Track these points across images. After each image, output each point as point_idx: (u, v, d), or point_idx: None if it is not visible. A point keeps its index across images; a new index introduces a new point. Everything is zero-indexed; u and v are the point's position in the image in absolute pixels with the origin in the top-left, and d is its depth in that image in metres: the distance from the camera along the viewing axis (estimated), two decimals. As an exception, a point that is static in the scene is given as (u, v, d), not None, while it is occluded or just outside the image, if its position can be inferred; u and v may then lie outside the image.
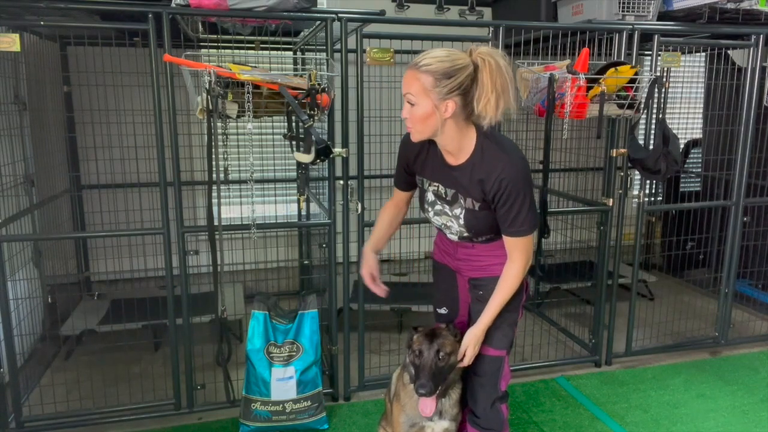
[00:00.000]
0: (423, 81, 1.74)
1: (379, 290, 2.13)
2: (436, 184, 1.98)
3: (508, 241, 1.90)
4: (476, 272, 2.05)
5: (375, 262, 2.17)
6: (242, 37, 3.16)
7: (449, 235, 2.06)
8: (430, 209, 2.05)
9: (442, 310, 2.24)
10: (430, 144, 1.94)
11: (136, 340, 3.41)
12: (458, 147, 1.85)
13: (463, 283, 2.15)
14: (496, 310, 1.95)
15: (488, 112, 1.74)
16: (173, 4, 2.47)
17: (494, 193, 1.82)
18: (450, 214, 1.98)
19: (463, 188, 1.90)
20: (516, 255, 1.91)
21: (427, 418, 2.06)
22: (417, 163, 2.01)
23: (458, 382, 2.09)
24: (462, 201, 1.92)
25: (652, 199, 4.92)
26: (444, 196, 1.97)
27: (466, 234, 1.99)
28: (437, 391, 1.96)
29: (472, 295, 2.09)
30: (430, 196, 2.02)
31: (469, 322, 2.14)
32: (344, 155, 2.77)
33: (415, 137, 1.85)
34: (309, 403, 2.73)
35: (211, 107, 2.29)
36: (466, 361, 1.98)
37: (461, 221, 1.95)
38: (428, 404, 1.97)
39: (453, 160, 1.90)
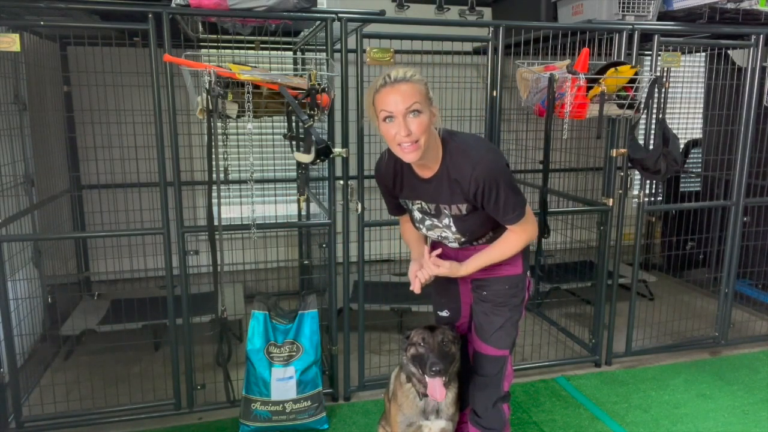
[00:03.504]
0: (422, 90, 1.77)
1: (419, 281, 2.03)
2: (418, 201, 1.98)
3: (508, 227, 1.92)
4: (479, 273, 2.04)
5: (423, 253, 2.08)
6: (242, 37, 3.16)
7: (449, 245, 2.07)
8: (421, 226, 2.06)
9: (444, 313, 2.23)
10: (401, 165, 1.94)
11: (136, 340, 3.41)
12: (435, 157, 1.86)
13: (464, 284, 2.15)
14: (477, 265, 1.96)
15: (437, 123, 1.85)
16: (173, 4, 2.47)
17: (474, 192, 1.82)
18: (441, 225, 1.99)
19: (443, 198, 1.90)
20: (517, 229, 1.92)
21: (424, 417, 2.07)
22: (396, 187, 2.02)
23: (455, 381, 2.10)
24: (446, 210, 1.93)
25: (652, 199, 4.91)
26: (429, 211, 1.98)
27: (464, 240, 2.00)
28: (446, 376, 1.97)
29: (475, 296, 2.09)
30: (417, 214, 2.03)
31: (471, 323, 2.14)
32: (344, 155, 2.77)
33: (418, 153, 1.78)
34: (309, 403, 2.73)
35: (211, 107, 2.29)
36: (429, 270, 1.97)
37: (453, 229, 1.96)
38: (438, 388, 1.96)
39: (427, 173, 1.90)
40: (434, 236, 2.06)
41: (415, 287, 2.02)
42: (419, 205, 1.99)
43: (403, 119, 1.74)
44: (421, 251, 2.12)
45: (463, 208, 1.90)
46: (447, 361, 1.97)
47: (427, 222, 2.02)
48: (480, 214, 1.91)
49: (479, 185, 1.81)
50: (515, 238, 1.93)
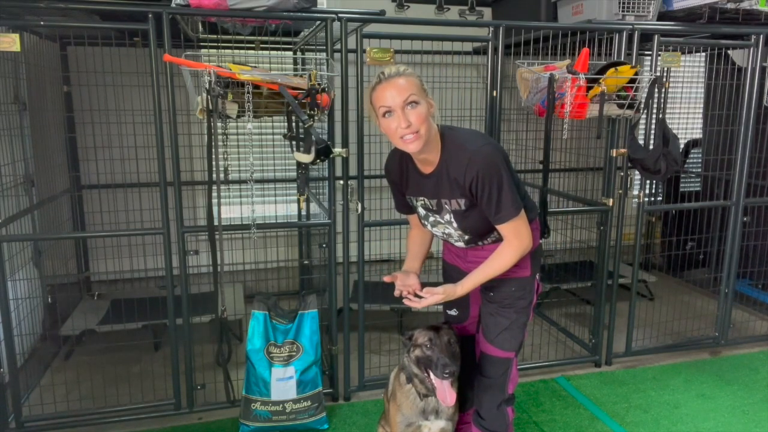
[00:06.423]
0: (416, 83, 1.80)
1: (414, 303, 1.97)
2: (422, 198, 1.99)
3: (500, 228, 1.89)
4: None
5: (411, 278, 2.07)
6: (242, 37, 3.16)
7: (455, 243, 2.07)
8: (426, 223, 2.07)
9: (452, 312, 2.24)
10: (407, 161, 1.96)
11: (136, 340, 3.41)
12: (435, 151, 1.87)
13: None
14: (474, 282, 1.92)
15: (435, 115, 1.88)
16: (173, 4, 2.47)
17: (469, 184, 1.83)
18: (443, 221, 1.99)
19: (444, 192, 1.91)
20: (509, 237, 1.89)
21: (424, 417, 2.07)
22: (402, 183, 2.03)
23: (456, 381, 2.09)
24: (447, 206, 1.93)
25: (652, 199, 4.92)
26: (431, 207, 1.99)
27: (467, 237, 1.99)
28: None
29: (483, 297, 2.10)
30: (421, 211, 2.04)
31: (479, 323, 2.14)
32: (344, 155, 2.77)
33: (419, 143, 1.80)
34: (309, 403, 2.73)
35: (211, 107, 2.29)
36: (423, 301, 1.90)
37: (455, 225, 1.96)
38: (449, 391, 1.96)
39: (428, 168, 1.91)
40: (439, 233, 2.07)
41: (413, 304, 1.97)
42: (422, 202, 2.00)
43: (402, 112, 1.77)
44: (413, 266, 2.15)
45: (462, 203, 1.89)
46: (456, 362, 1.96)
47: (431, 218, 2.02)
48: (479, 210, 1.90)
49: (473, 177, 1.80)
50: (508, 250, 1.89)
